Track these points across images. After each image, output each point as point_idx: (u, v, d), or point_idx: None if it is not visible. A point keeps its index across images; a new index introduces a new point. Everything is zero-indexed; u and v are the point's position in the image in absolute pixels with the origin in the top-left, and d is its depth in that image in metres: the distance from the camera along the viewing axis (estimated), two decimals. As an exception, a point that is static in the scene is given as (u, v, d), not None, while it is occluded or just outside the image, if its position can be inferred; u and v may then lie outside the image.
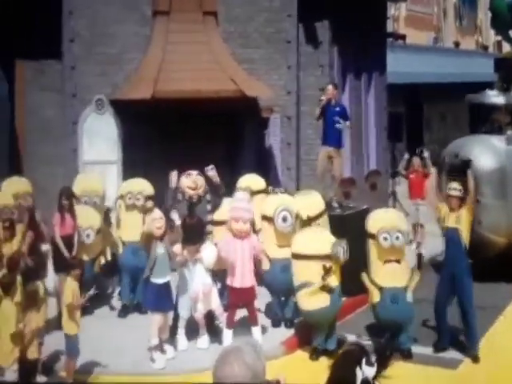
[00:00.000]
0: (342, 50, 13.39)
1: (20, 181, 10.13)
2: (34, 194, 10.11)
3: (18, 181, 10.11)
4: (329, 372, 2.85)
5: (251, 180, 10.57)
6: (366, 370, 2.76)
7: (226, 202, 9.55)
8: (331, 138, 10.84)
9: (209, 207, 9.00)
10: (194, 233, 8.49)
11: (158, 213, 8.29)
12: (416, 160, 13.85)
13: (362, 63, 14.32)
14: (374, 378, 2.78)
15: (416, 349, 8.57)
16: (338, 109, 10.82)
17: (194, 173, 8.95)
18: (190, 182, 8.84)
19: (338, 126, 10.71)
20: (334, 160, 10.96)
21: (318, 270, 8.33)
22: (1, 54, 11.15)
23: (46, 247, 8.95)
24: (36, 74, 11.96)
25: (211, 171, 8.96)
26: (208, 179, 9.09)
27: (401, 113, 15.68)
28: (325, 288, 8.32)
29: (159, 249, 8.09)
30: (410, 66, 19.61)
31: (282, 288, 9.23)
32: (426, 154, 13.58)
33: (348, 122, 11.05)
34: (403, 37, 24.44)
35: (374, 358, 2.83)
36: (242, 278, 8.37)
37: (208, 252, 8.46)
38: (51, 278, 8.52)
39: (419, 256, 12.12)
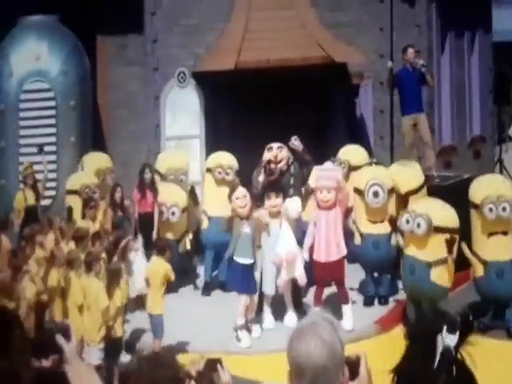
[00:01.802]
0: (442, 7, 13.00)
1: (101, 156, 10.52)
2: (118, 170, 10.50)
3: (98, 156, 10.51)
4: (405, 343, 2.78)
5: (351, 153, 10.26)
6: (448, 339, 2.62)
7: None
8: (411, 104, 10.67)
9: (292, 181, 9.02)
10: (274, 187, 8.50)
11: (242, 191, 8.35)
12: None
13: (464, 21, 13.85)
14: (457, 346, 2.63)
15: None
16: (416, 72, 10.65)
17: (275, 146, 8.98)
18: (271, 155, 8.89)
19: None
20: (419, 126, 10.78)
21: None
22: (82, 30, 11.54)
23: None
24: (118, 48, 12.32)
25: (295, 142, 8.98)
26: (294, 151, 9.11)
27: (508, 73, 15.10)
28: None
29: (244, 228, 8.18)
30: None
31: (374, 264, 9.21)
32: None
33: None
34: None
35: (457, 325, 2.70)
36: (327, 251, 8.37)
37: (292, 203, 8.46)
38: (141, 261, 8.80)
39: None
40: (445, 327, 2.66)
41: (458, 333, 2.64)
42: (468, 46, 14.45)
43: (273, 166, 8.91)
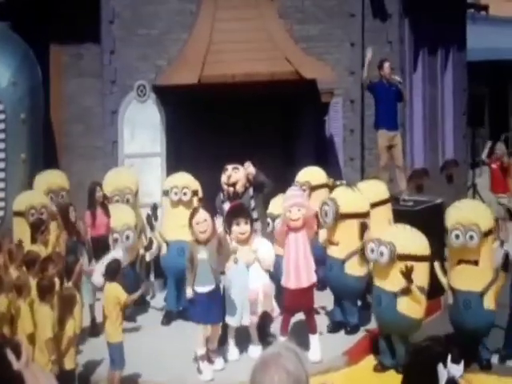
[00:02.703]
0: (415, 23, 13.21)
1: (54, 174, 10.34)
2: (71, 190, 10.33)
3: (51, 174, 10.33)
4: (404, 372, 2.73)
5: (310, 173, 10.48)
6: (453, 369, 2.63)
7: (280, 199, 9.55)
8: (387, 119, 10.87)
9: (252, 204, 8.99)
10: (242, 213, 8.40)
11: (202, 215, 8.23)
12: (500, 147, 13.57)
13: (437, 38, 14.10)
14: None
15: (496, 359, 8.47)
16: (392, 88, 10.88)
17: (230, 167, 8.96)
18: (225, 177, 8.87)
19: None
20: (394, 148, 10.97)
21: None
22: (35, 39, 11.40)
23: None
24: (73, 59, 12.20)
25: (249, 168, 8.96)
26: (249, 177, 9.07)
27: (483, 94, 15.37)
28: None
29: (201, 254, 8.06)
30: (494, 40, 19.19)
31: (332, 287, 9.31)
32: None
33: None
34: (486, 8, 23.94)
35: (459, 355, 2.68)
36: (297, 277, 8.31)
37: (265, 249, 8.38)
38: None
39: (506, 256, 11.79)
40: (449, 357, 2.65)
41: (462, 362, 2.64)
42: (441, 63, 14.68)
43: (226, 187, 8.89)
